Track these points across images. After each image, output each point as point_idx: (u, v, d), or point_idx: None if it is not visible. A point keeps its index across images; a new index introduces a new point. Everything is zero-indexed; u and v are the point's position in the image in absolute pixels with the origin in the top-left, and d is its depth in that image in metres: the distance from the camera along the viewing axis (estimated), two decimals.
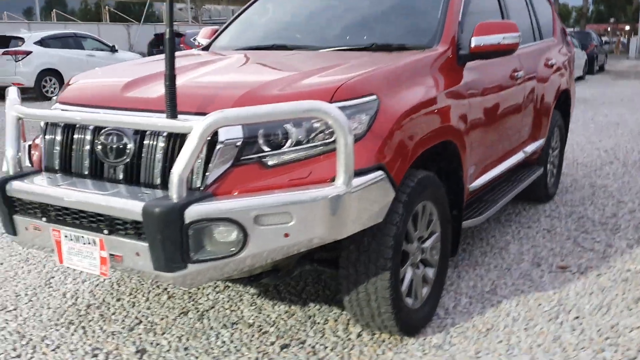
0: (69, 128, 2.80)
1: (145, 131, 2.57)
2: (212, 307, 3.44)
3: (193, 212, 2.27)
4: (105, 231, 2.47)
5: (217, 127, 2.29)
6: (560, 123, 5.53)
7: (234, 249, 2.33)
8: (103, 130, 2.66)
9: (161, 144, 2.53)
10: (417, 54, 3.29)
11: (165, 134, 2.52)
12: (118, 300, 3.54)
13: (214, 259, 2.34)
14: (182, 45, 18.11)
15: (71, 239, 2.58)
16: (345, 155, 2.32)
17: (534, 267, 3.99)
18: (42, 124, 2.96)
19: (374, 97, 2.66)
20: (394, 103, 2.76)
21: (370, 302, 2.82)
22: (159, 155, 2.52)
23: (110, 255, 2.49)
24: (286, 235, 2.33)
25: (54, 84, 15.51)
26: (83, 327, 3.23)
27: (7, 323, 3.30)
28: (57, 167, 2.84)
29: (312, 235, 2.35)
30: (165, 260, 2.31)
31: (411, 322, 3.00)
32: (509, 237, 4.57)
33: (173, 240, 2.28)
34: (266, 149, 2.47)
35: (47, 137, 2.87)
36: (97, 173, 2.72)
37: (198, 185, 2.42)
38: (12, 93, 2.96)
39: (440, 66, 3.30)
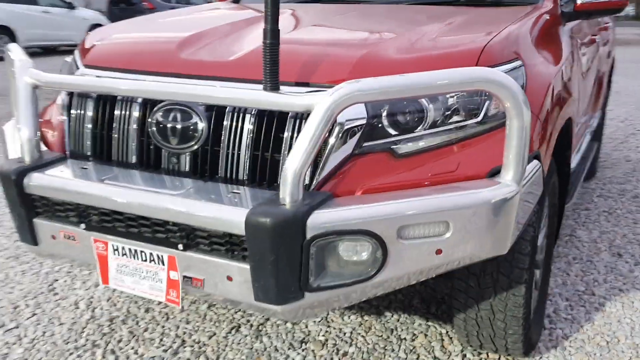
0: (106, 101, 2.09)
1: (223, 107, 1.89)
2: (267, 319, 2.81)
3: (317, 222, 1.62)
4: (180, 246, 1.80)
5: (349, 103, 1.64)
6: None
7: (368, 270, 1.70)
8: (159, 105, 1.97)
9: (249, 125, 1.85)
10: (524, 10, 2.67)
11: (254, 111, 1.85)
12: (147, 311, 2.87)
13: (340, 286, 1.71)
14: (144, 3, 16.78)
15: (124, 254, 1.90)
16: (518, 142, 1.71)
17: (616, 258, 3.51)
18: (62, 95, 2.23)
19: (519, 62, 2.05)
20: (537, 71, 2.15)
21: (495, 321, 2.24)
22: (246, 140, 1.86)
23: (185, 278, 1.82)
24: (438, 252, 1.71)
25: (4, 43, 14.11)
26: (113, 352, 2.55)
27: (9, 347, 2.59)
28: (88, 153, 2.13)
29: (470, 252, 1.75)
30: (277, 289, 1.67)
31: (530, 339, 2.45)
32: (571, 222, 4.08)
33: (289, 261, 1.64)
34: (393, 132, 1.84)
35: (74, 112, 2.15)
36: (150, 162, 2.03)
37: (307, 183, 1.77)
38: (17, 51, 2.21)
39: (551, 26, 2.69)
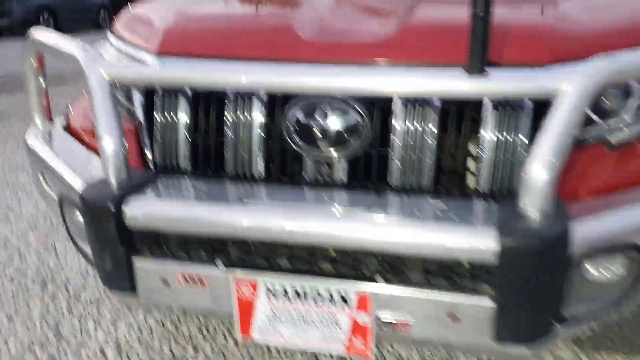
0: (209, 100, 1.62)
1: (388, 100, 1.49)
2: None
3: (585, 238, 1.29)
4: (379, 279, 1.38)
5: (609, 83, 1.32)
6: None
7: (626, 290, 1.40)
8: (298, 101, 1.53)
9: (430, 124, 1.47)
10: None
11: (437, 102, 1.47)
12: (195, 350, 2.36)
13: (595, 313, 1.39)
14: None
15: (283, 295, 1.45)
16: None
17: None
18: (137, 93, 1.71)
19: None
20: None
21: None
22: (429, 141, 1.47)
23: (380, 321, 1.42)
24: None
25: None
26: None
27: None
28: (185, 167, 1.64)
29: None
30: (527, 323, 1.31)
31: None
32: None
33: (548, 289, 1.29)
34: (597, 119, 1.54)
35: (160, 115, 1.64)
36: (286, 173, 1.59)
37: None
38: (71, 41, 1.67)
39: None
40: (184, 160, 1.65)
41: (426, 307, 1.37)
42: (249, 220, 1.40)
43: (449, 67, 1.44)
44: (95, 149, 1.82)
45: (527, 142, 1.43)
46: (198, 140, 1.64)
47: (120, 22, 2.06)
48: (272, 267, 1.45)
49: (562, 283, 1.29)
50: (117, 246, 1.50)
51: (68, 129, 2.03)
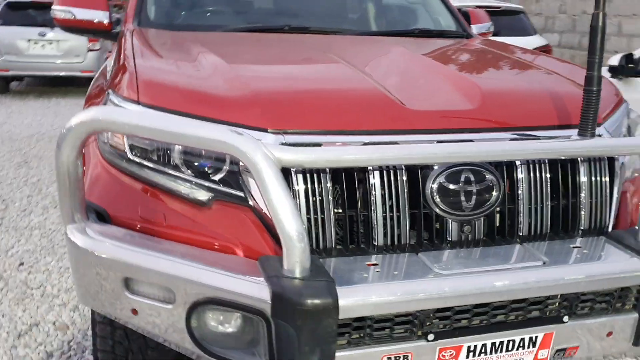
0: (350, 175, 1.62)
1: (512, 163, 1.74)
2: None
3: None
4: (565, 318, 1.61)
5: None
6: None
7: None
8: (441, 169, 1.65)
9: (546, 176, 1.77)
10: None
11: (547, 160, 1.77)
12: None
13: None
14: None
15: (481, 352, 1.57)
16: None
17: None
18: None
19: None
20: None
21: None
22: (544, 191, 1.76)
23: (557, 351, 1.65)
24: None
25: None
26: None
27: None
28: (334, 245, 1.61)
29: None
30: None
31: None
32: None
33: None
34: None
35: (303, 194, 1.57)
36: (433, 237, 1.69)
37: (607, 224, 1.83)
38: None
39: None
40: (329, 239, 1.60)
41: (592, 331, 1.66)
42: (477, 287, 1.49)
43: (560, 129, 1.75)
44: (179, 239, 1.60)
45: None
46: (347, 217, 1.61)
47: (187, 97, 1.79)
48: (476, 329, 1.55)
49: None
50: (330, 344, 1.40)
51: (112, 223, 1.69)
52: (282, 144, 1.58)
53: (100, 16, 2.90)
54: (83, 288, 1.63)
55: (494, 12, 7.17)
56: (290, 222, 1.39)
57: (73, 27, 2.94)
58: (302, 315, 1.36)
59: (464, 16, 3.45)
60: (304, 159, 1.47)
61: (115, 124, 1.50)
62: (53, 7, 2.97)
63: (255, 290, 1.42)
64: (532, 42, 7.84)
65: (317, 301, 1.37)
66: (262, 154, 1.41)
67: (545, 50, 7.88)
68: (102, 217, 1.69)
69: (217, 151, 1.55)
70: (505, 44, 2.94)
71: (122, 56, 2.20)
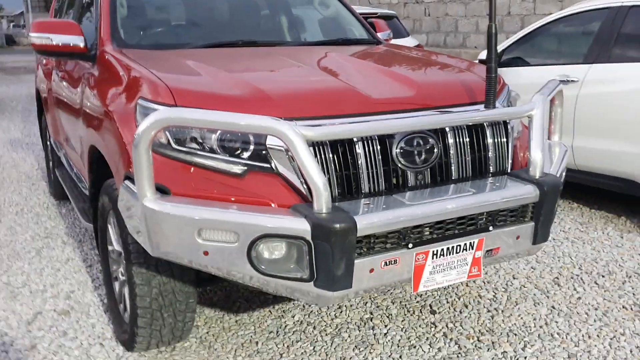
0: (342, 144, 2.35)
1: (442, 128, 2.53)
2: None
3: None
4: (491, 227, 2.43)
5: None
6: None
7: None
8: (402, 136, 2.41)
9: (466, 138, 2.58)
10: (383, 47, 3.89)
11: (466, 126, 2.58)
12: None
13: None
14: None
15: (441, 255, 2.35)
16: None
17: None
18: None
19: None
20: None
21: None
22: (468, 148, 2.57)
23: (486, 252, 2.47)
24: None
25: None
26: None
27: None
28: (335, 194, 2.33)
29: None
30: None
31: None
32: None
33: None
34: None
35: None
36: (398, 184, 2.45)
37: (507, 167, 2.69)
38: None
39: None
40: (335, 189, 2.31)
41: (506, 236, 2.50)
42: (430, 213, 2.27)
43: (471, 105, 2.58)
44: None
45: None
46: (340, 173, 2.32)
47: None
48: (437, 238, 2.33)
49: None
50: (351, 254, 2.12)
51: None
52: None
53: (75, 40, 3.35)
54: (159, 243, 2.22)
55: (370, 18, 8.14)
56: (318, 177, 2.10)
57: (51, 51, 3.38)
58: (335, 235, 2.07)
59: (370, 26, 4.28)
60: (322, 134, 2.17)
61: (185, 120, 2.11)
62: (30, 34, 3.39)
63: (299, 223, 2.11)
64: (407, 42, 8.91)
65: (344, 225, 2.08)
66: (295, 132, 2.09)
67: None
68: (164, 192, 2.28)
69: (259, 133, 2.20)
70: (409, 47, 3.81)
71: (126, 72, 2.76)
